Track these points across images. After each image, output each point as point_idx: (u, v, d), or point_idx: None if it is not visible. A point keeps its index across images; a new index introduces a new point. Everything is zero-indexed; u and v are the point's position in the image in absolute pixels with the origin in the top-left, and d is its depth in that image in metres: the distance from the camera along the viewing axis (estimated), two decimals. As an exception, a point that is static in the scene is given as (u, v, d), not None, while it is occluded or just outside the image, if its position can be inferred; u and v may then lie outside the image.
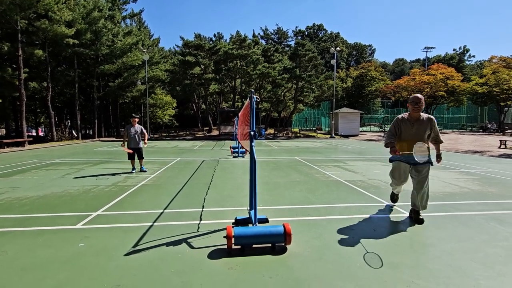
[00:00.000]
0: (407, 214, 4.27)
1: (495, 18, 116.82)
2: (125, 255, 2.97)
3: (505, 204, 4.76)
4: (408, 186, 6.18)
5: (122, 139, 8.02)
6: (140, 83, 30.81)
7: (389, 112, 48.03)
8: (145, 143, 8.06)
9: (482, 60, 63.33)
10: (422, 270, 2.68)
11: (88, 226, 3.78)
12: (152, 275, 2.59)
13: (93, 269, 2.70)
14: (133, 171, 7.89)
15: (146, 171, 7.99)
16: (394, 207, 4.62)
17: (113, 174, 7.66)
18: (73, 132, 28.69)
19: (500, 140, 16.27)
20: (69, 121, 37.86)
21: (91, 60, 27.52)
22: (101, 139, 26.91)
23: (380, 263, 2.79)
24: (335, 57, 27.92)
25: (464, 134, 29.14)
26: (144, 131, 8.10)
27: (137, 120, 7.96)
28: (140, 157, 8.00)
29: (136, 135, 7.84)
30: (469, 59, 73.28)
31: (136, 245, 3.20)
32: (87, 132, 36.93)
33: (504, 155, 12.27)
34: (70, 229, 3.69)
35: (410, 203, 4.14)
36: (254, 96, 3.70)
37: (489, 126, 33.03)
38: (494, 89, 28.19)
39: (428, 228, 3.70)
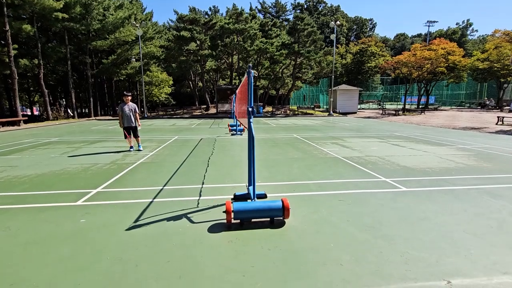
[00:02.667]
0: (403, 188, 4.34)
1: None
2: (126, 230, 3.02)
3: (500, 179, 4.84)
4: (408, 162, 6.24)
5: (118, 118, 7.87)
6: (134, 60, 29.95)
7: (388, 89, 47.56)
8: (138, 125, 7.94)
9: (485, 34, 61.84)
10: (416, 241, 2.76)
11: (88, 203, 3.82)
12: (153, 248, 2.65)
13: (95, 243, 2.75)
14: (131, 149, 7.86)
15: (142, 150, 7.94)
16: (390, 182, 4.68)
17: (111, 153, 7.65)
18: (69, 111, 28.31)
19: (498, 117, 16.29)
20: (64, 99, 37.22)
21: (82, 36, 26.50)
22: (97, 118, 26.62)
23: (375, 236, 2.87)
24: (335, 31, 27.04)
25: (462, 111, 29.11)
26: (137, 109, 7.95)
27: (129, 97, 7.73)
28: (136, 136, 7.93)
29: (131, 113, 7.69)
30: (471, 34, 71.51)
31: (136, 220, 3.25)
32: (83, 111, 36.46)
33: (501, 131, 12.34)
34: (71, 205, 3.73)
35: (407, 178, 4.19)
36: (252, 71, 3.60)
37: (487, 102, 32.91)
38: (495, 64, 27.74)
39: (423, 202, 3.78)
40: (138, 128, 7.98)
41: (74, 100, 26.35)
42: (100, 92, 32.65)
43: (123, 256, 2.51)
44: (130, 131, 7.77)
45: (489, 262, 2.40)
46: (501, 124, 15.11)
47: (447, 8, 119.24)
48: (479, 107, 33.12)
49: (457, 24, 72.47)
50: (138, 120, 7.92)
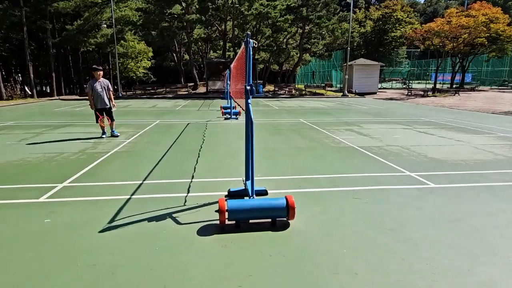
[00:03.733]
0: (431, 184, 4.38)
1: None
2: (100, 232, 3.05)
3: (546, 174, 4.89)
4: (437, 153, 6.29)
5: (88, 97, 7.82)
6: (105, 25, 29.37)
7: (416, 65, 47.23)
8: (113, 105, 7.90)
9: (536, -3, 60.89)
10: (445, 247, 2.81)
11: (53, 200, 3.84)
12: (133, 253, 2.68)
13: (63, 247, 2.78)
14: (104, 136, 7.85)
15: (118, 136, 7.95)
16: (415, 177, 4.72)
17: (79, 139, 7.62)
18: (26, 88, 27.99)
19: (547, 99, 16.29)
20: (20, 75, 36.73)
21: (40, -5, 25.88)
22: (61, 97, 26.39)
23: (397, 240, 2.91)
24: (353, -8, 26.55)
25: (505, 91, 29.09)
26: (111, 87, 7.89)
27: (101, 73, 7.65)
28: (111, 119, 7.90)
29: (104, 92, 7.63)
30: (520, -3, 70.31)
31: (112, 220, 3.28)
32: (43, 89, 36.04)
33: (549, 117, 12.38)
34: (33, 202, 3.75)
35: (435, 173, 4.23)
36: (251, 41, 3.55)
37: (535, 82, 32.85)
38: (548, 34, 27.46)
39: (455, 201, 3.82)
40: (113, 109, 7.94)
41: (32, 76, 26.00)
42: (64, 66, 32.21)
43: (97, 262, 2.54)
44: (104, 113, 7.72)
45: (530, 271, 2.46)
46: (550, 108, 15.14)
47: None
48: (525, 88, 33.04)
49: (502, -16, 71.20)
50: (113, 100, 7.87)
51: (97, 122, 7.78)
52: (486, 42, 28.63)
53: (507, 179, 4.64)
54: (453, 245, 2.83)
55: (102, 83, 7.62)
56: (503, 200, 3.83)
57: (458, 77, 34.73)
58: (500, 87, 36.45)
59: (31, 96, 25.49)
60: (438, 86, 30.06)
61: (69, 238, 2.94)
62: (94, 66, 7.87)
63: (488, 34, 27.97)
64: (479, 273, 2.43)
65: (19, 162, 5.58)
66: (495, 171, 5.04)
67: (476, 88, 33.08)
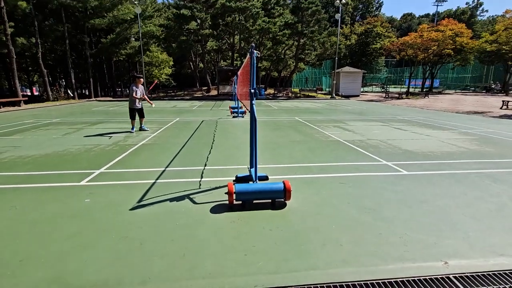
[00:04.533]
0: (404, 172, 4.35)
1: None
2: (130, 209, 3.07)
3: (501, 163, 4.84)
4: (410, 146, 6.24)
5: (120, 99, 7.98)
6: (134, 39, 29.22)
7: (393, 72, 46.62)
8: (151, 104, 8.18)
9: (496, 15, 59.70)
10: (415, 223, 2.80)
11: (92, 183, 3.86)
12: (158, 227, 2.70)
13: (100, 222, 2.81)
14: (133, 130, 7.89)
15: (147, 130, 8.03)
16: (391, 165, 4.69)
17: (113, 133, 7.65)
18: (69, 91, 28.03)
19: (503, 101, 16.05)
20: (63, 80, 36.75)
21: (79, 14, 25.71)
22: (97, 99, 26.40)
23: (375, 218, 2.91)
24: (340, 11, 26.13)
25: (466, 94, 28.66)
26: (145, 92, 8.08)
27: (142, 80, 7.79)
28: (142, 116, 8.02)
29: (140, 96, 7.77)
30: (481, 14, 69.07)
31: (140, 200, 3.30)
32: (83, 91, 36.09)
33: (505, 116, 12.21)
34: (75, 185, 3.78)
35: (408, 162, 4.20)
36: (255, 52, 3.51)
37: (493, 86, 32.34)
38: (504, 47, 26.89)
39: (424, 185, 3.80)
40: (152, 106, 8.35)
41: (73, 81, 26.02)
42: (99, 72, 32.18)
43: (128, 235, 2.57)
44: (136, 112, 7.87)
45: (486, 244, 2.45)
46: (505, 109, 14.93)
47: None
48: (484, 91, 32.57)
49: (467, 3, 70.03)
50: (148, 100, 8.08)
51: (132, 118, 7.83)
52: (452, 53, 28.19)
53: (468, 167, 4.60)
54: (422, 222, 2.83)
55: (140, 89, 7.73)
56: (464, 185, 3.80)
57: (428, 82, 34.29)
58: (463, 91, 35.92)
59: (73, 97, 25.53)
60: (411, 90, 29.70)
61: (105, 214, 2.97)
62: (137, 74, 7.92)
63: (454, 46, 27.51)
64: (444, 245, 2.43)
65: (64, 152, 5.61)
66: (458, 161, 5.00)
67: (443, 92, 32.64)
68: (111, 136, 7.26)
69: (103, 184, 3.82)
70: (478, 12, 68.28)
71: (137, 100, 7.65)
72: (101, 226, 2.72)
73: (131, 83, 7.76)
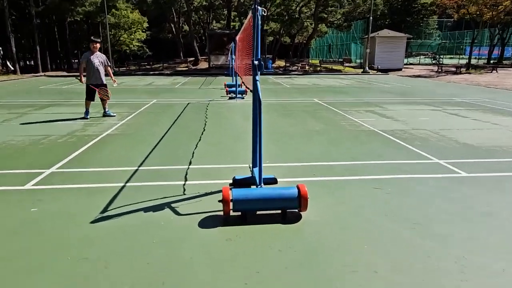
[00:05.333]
0: (463, 173, 4.33)
1: None
2: (92, 222, 3.09)
3: None
4: (470, 138, 6.20)
5: (76, 73, 7.93)
6: (94, -8, 29.09)
7: (448, 37, 45.99)
8: (114, 81, 8.07)
9: None
10: (477, 243, 2.78)
11: (40, 187, 3.89)
12: (128, 246, 2.72)
13: (52, 239, 2.83)
14: (87, 117, 7.88)
15: (114, 116, 8.02)
16: (445, 165, 4.67)
17: (68, 120, 7.68)
18: (8, 64, 28.11)
19: None
20: (0, 49, 36.83)
21: (21, -43, 25.64)
22: (47, 73, 26.49)
23: (422, 235, 2.90)
24: (377, -48, 25.68)
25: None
26: (108, 62, 7.94)
27: (98, 45, 7.69)
28: (106, 97, 7.95)
29: (100, 67, 7.64)
30: None
31: (105, 210, 3.32)
32: (28, 63, 36.18)
33: None
34: (18, 190, 3.81)
35: (468, 160, 4.17)
36: (260, 8, 3.47)
37: None
38: None
39: (490, 192, 3.78)
40: (114, 85, 8.07)
41: (14, 49, 26.07)
42: (49, 38, 32.21)
43: (89, 255, 2.59)
44: (95, 92, 7.79)
45: None
46: None
47: None
48: None
49: None
50: (112, 76, 7.95)
51: (87, 99, 7.81)
52: (532, 10, 27.66)
53: (551, 168, 4.56)
54: (486, 242, 2.81)
55: (99, 57, 7.64)
56: (546, 192, 3.77)
57: (496, 52, 33.81)
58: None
59: (14, 72, 25.64)
60: (473, 61, 29.36)
61: (59, 229, 2.99)
62: (92, 37, 7.85)
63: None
64: (516, 273, 2.41)
65: (2, 145, 5.65)
66: (537, 159, 4.95)
67: (517, 65, 32.20)
68: (84, 121, 7.28)
69: (55, 188, 3.84)
70: None
71: (94, 73, 7.55)
72: (52, 244, 2.74)
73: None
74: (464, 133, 6.59)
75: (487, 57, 34.51)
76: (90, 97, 7.79)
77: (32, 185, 3.93)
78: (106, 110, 8.10)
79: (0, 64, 25.82)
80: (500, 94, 13.16)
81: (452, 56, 42.38)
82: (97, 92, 7.74)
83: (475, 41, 29.84)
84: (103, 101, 7.97)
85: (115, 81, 8.16)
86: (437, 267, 2.48)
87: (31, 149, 5.42)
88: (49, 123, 7.41)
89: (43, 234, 2.91)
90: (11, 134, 6.41)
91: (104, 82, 7.81)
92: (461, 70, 25.51)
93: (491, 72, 24.35)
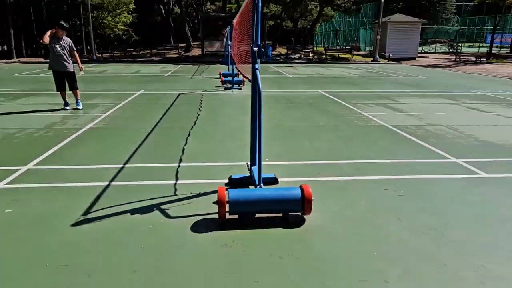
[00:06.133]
0: (483, 174, 4.35)
1: None
2: (72, 225, 3.09)
3: None
4: (491, 135, 6.22)
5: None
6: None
7: (467, 23, 45.99)
8: (80, 69, 7.94)
9: None
10: (497, 251, 2.80)
11: (15, 186, 3.88)
12: (113, 253, 2.72)
13: (28, 244, 2.82)
14: (67, 107, 7.93)
15: (81, 109, 7.95)
16: (463, 164, 4.69)
17: (45, 111, 7.65)
18: (-22, 48, 27.93)
19: None
20: (-30, 31, 36.59)
21: None
22: (21, 59, 26.36)
23: (438, 242, 2.92)
24: None
25: None
26: (74, 47, 7.82)
27: (64, 32, 7.60)
28: (73, 87, 7.90)
29: (64, 53, 7.58)
30: None
31: (87, 212, 3.31)
32: (0, 49, 35.97)
33: None
34: (-10, 189, 3.80)
35: (489, 159, 4.18)
36: (260, -12, 3.46)
37: None
38: None
39: (512, 195, 3.81)
40: (80, 73, 7.96)
41: (-15, 32, 25.91)
42: (24, 20, 31.97)
43: (70, 262, 2.58)
44: (64, 79, 7.74)
45: None
46: None
47: None
48: None
49: None
50: (79, 62, 7.85)
51: (58, 90, 7.80)
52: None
53: None
54: (508, 249, 2.83)
55: (63, 42, 7.55)
56: None
57: (521, 39, 33.84)
58: None
59: (-15, 58, 25.49)
60: (494, 50, 29.39)
61: (36, 233, 2.98)
62: (61, 22, 7.75)
63: None
64: (541, 284, 2.43)
65: (-27, 139, 5.63)
66: None
67: (544, 54, 32.28)
68: (66, 109, 7.25)
69: (31, 187, 3.84)
70: None
71: (55, 60, 7.50)
72: (29, 250, 2.74)
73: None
74: (484, 129, 6.61)
75: (510, 45, 34.55)
76: (59, 87, 7.78)
77: (6, 184, 3.92)
78: (78, 101, 8.05)
79: (-31, 49, 25.64)
80: (524, 87, 13.21)
81: (471, 44, 42.42)
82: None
83: (497, 27, 29.86)
84: (74, 90, 7.94)
85: (82, 68, 8.08)
86: (454, 277, 2.49)
87: (5, 143, 5.41)
88: (24, 115, 7.38)
89: (19, 238, 2.90)
90: (-18, 127, 6.39)
91: (70, 70, 7.74)
92: (482, 59, 25.54)
93: (515, 62, 24.39)
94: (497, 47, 34.74)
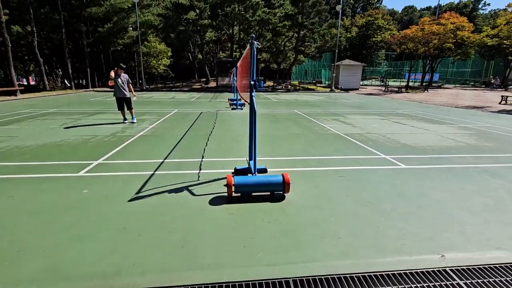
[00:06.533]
0: (403, 165, 4.36)
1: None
2: (129, 201, 3.06)
3: (500, 158, 4.86)
4: (408, 140, 6.23)
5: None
6: (131, 28, 28.76)
7: (392, 66, 46.31)
8: (134, 95, 7.88)
9: (497, 9, 59.14)
10: (412, 217, 2.81)
11: (90, 174, 3.84)
12: (156, 219, 2.70)
13: (98, 213, 2.80)
14: (125, 121, 7.87)
15: (135, 122, 7.87)
16: (390, 159, 4.70)
17: (111, 124, 7.58)
18: (66, 81, 27.69)
19: (502, 96, 16.03)
20: (60, 70, 36.28)
21: (76, 1, 25.22)
22: (95, 89, 26.13)
23: (373, 211, 2.92)
24: (341, 2, 25.74)
25: (466, 89, 28.63)
26: (130, 80, 7.82)
27: (122, 71, 7.54)
28: (129, 107, 7.85)
29: (123, 85, 7.57)
30: (483, 8, 68.80)
31: (138, 192, 3.29)
32: (80, 81, 35.67)
33: (503, 111, 12.22)
34: (73, 176, 3.75)
35: (407, 156, 4.20)
36: (255, 42, 3.45)
37: (492, 81, 32.29)
38: (504, 41, 26.76)
39: (422, 179, 3.81)
40: (133, 98, 7.93)
41: (70, 70, 25.73)
42: (97, 62, 31.77)
43: (126, 226, 2.56)
44: (123, 102, 7.72)
45: (483, 237, 2.47)
46: (504, 104, 14.93)
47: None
48: (484, 86, 32.54)
49: (469, -4, 69.15)
50: (133, 90, 7.84)
51: (118, 109, 7.78)
52: (453, 47, 28.00)
53: (466, 162, 4.62)
54: (419, 215, 2.84)
55: (122, 77, 7.55)
56: (462, 180, 3.82)
57: (427, 76, 34.15)
58: (462, 85, 35.86)
59: (70, 87, 25.27)
60: (410, 83, 29.60)
61: (103, 206, 2.96)
62: (120, 64, 7.72)
63: (455, 40, 27.31)
64: (441, 239, 2.44)
65: (61, 142, 5.57)
66: (456, 155, 5.01)
67: (442, 86, 32.59)
68: (125, 122, 7.18)
69: (101, 175, 3.80)
70: (480, 6, 67.64)
71: (120, 89, 7.50)
72: (99, 217, 2.71)
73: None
74: (404, 136, 6.64)
75: (420, 80, 34.82)
76: (119, 107, 7.76)
77: (84, 173, 3.88)
78: (133, 117, 7.99)
79: (59, 82, 25.35)
80: (430, 108, 13.30)
81: (395, 79, 42.65)
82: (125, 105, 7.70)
83: (412, 68, 30.10)
84: (130, 110, 7.86)
85: (135, 94, 7.97)
86: (384, 234, 2.50)
87: (83, 146, 5.35)
88: (96, 126, 7.31)
89: (92, 209, 2.87)
90: (68, 134, 6.32)
91: (126, 96, 7.67)
92: (402, 90, 25.70)
93: (424, 92, 24.58)
94: (412, 81, 34.94)
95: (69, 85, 26.14)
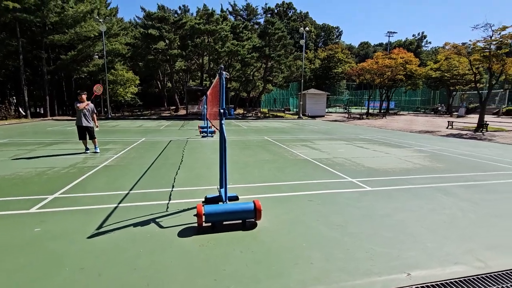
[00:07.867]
0: (367, 188, 4.58)
1: (450, 6, 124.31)
2: (88, 237, 2.82)
3: (449, 178, 5.32)
4: (371, 163, 6.59)
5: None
6: (97, 56, 28.20)
7: (353, 94, 50.10)
8: (96, 126, 7.56)
9: (437, 46, 67.87)
10: (379, 237, 2.93)
11: (44, 210, 3.51)
12: (119, 256, 2.50)
13: (52, 253, 2.53)
14: (87, 151, 7.43)
15: (98, 152, 7.48)
16: (356, 182, 4.92)
17: (70, 155, 7.10)
18: (20, 110, 25.76)
19: (448, 121, 17.92)
20: (14, 97, 33.83)
21: (37, 29, 24.37)
22: (54, 118, 24.58)
23: (343, 234, 2.99)
24: (304, 37, 27.90)
25: (418, 115, 31.58)
26: (95, 110, 7.54)
27: (84, 96, 7.26)
28: (92, 137, 7.47)
29: (87, 114, 7.26)
30: (426, 45, 78.21)
31: (100, 227, 3.05)
32: (37, 110, 33.43)
33: (450, 135, 13.58)
34: (24, 213, 3.40)
35: (371, 178, 4.43)
36: (224, 73, 3.58)
37: (439, 108, 36.10)
38: (445, 74, 30.58)
39: (385, 200, 4.02)
40: (96, 129, 7.57)
41: (26, 98, 24.08)
42: (58, 90, 30.23)
43: (85, 266, 2.34)
44: (85, 132, 7.34)
45: (442, 253, 2.63)
46: (450, 128, 16.64)
47: (405, 21, 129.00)
48: (432, 112, 36.23)
49: (413, 35, 78.97)
50: (96, 121, 7.51)
51: (80, 139, 7.40)
52: (404, 78, 31.27)
53: (423, 182, 4.98)
54: (385, 236, 2.96)
55: (89, 107, 7.26)
56: (420, 199, 4.10)
57: (384, 104, 37.29)
58: (415, 112, 39.60)
59: (25, 116, 23.49)
60: (370, 111, 31.99)
61: (59, 244, 2.69)
62: (78, 91, 7.42)
63: (405, 72, 30.59)
64: (406, 257, 2.56)
65: (11, 176, 5.06)
66: (414, 176, 5.39)
67: (398, 113, 35.66)
68: (87, 152, 6.72)
69: (57, 211, 3.49)
70: (423, 43, 77.26)
71: (82, 118, 7.17)
72: (53, 257, 2.45)
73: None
74: (367, 159, 7.01)
75: (379, 108, 37.86)
76: (80, 136, 7.35)
77: (37, 209, 3.53)
78: (96, 147, 7.60)
79: (13, 110, 23.51)
80: (389, 133, 14.36)
81: (357, 107, 45.93)
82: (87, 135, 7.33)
83: (371, 97, 32.78)
84: (93, 140, 7.49)
85: (97, 125, 7.63)
86: (354, 257, 2.55)
87: (37, 179, 4.91)
88: (54, 157, 6.80)
89: (46, 249, 2.60)
90: (20, 167, 5.78)
91: (89, 125, 7.32)
92: (363, 116, 27.62)
93: (382, 118, 26.63)
94: (371, 109, 37.81)
95: (24, 113, 24.30)
